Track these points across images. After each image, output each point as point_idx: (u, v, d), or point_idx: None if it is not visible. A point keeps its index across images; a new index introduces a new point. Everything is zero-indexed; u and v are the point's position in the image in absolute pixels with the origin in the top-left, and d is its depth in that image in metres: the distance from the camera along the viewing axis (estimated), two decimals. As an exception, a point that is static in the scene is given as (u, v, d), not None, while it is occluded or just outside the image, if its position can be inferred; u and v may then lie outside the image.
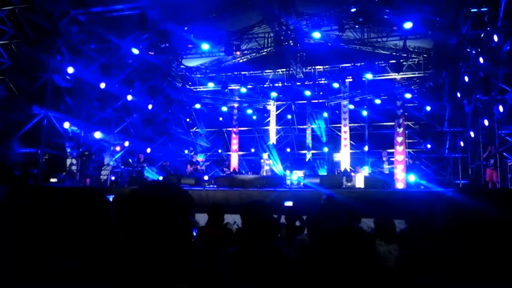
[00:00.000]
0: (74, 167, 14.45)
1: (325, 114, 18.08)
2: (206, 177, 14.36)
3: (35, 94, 12.75)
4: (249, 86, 17.41)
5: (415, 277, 2.59)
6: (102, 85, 14.11)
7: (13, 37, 11.76)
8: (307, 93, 17.06)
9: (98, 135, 15.04)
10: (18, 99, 12.41)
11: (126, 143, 16.38)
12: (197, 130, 20.20)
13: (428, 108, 16.80)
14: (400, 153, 16.33)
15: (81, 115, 13.75)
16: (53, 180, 13.18)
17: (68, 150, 14.68)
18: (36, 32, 11.51)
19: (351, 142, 17.89)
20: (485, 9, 10.23)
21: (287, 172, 15.86)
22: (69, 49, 12.45)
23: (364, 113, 17.67)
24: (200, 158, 18.13)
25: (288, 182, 14.57)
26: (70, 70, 12.82)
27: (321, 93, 17.07)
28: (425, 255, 2.76)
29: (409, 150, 16.89)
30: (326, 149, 18.54)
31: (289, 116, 19.81)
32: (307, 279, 2.37)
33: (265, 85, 17.27)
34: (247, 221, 2.65)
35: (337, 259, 1.26)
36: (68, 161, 14.85)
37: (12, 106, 12.46)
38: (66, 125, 13.84)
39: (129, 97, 15.33)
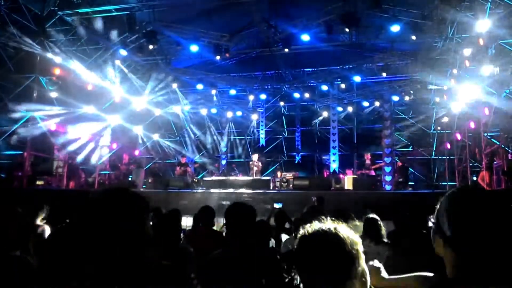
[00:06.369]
0: (61, 170, 14.27)
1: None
2: (195, 179, 14.30)
3: (21, 95, 12.56)
4: (238, 88, 17.42)
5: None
6: (90, 87, 13.98)
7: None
8: (296, 95, 17.11)
9: (86, 136, 14.85)
10: (3, 100, 12.23)
11: (114, 145, 16.25)
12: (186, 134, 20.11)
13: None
14: (387, 155, 16.46)
15: (68, 117, 13.56)
16: (39, 182, 13.00)
17: (55, 152, 14.49)
18: (23, 32, 11.36)
19: (340, 144, 17.98)
20: (471, 13, 10.40)
21: (278, 174, 15.86)
22: (56, 49, 12.30)
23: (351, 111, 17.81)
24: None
25: (277, 184, 14.59)
26: (57, 71, 12.66)
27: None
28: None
29: (397, 151, 17.04)
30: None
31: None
32: (288, 280, 2.37)
33: (254, 87, 17.27)
34: (230, 222, 2.64)
35: (319, 260, 1.26)
36: (55, 164, 14.64)
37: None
38: (53, 126, 13.66)
39: (117, 99, 15.20)
